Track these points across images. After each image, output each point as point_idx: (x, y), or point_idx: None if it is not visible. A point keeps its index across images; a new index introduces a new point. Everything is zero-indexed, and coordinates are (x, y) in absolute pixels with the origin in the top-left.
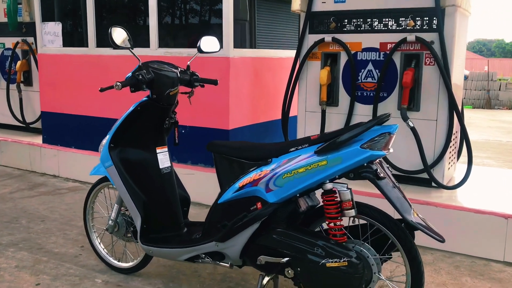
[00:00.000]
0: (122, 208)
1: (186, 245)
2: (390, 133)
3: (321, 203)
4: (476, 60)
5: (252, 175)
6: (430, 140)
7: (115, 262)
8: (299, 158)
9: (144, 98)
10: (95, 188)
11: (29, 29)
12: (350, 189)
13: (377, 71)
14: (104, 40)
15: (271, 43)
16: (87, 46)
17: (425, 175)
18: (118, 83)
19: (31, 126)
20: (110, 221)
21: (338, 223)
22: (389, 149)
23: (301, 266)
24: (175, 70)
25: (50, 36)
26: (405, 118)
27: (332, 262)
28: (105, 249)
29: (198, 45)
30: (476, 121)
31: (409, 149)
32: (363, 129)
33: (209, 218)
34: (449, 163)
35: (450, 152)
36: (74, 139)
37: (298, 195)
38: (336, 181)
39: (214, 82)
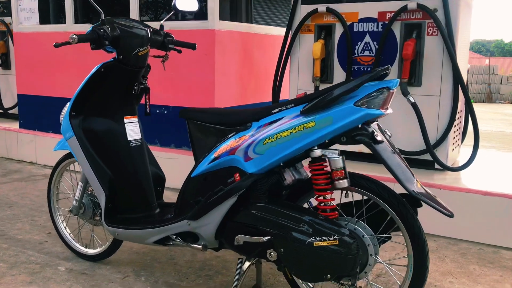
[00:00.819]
0: (89, 187)
1: (154, 225)
2: (389, 89)
3: (309, 176)
4: (475, 58)
5: (229, 143)
6: (432, 117)
7: (82, 248)
8: (282, 120)
9: (109, 60)
10: (60, 165)
11: (7, 8)
12: (343, 156)
13: (375, 43)
14: (83, 15)
15: (271, 20)
16: (64, 23)
17: (427, 157)
18: (74, 36)
19: (9, 112)
20: (75, 202)
21: (328, 196)
22: (387, 108)
23: (285, 246)
24: (145, 28)
25: (26, 13)
26: (405, 93)
27: (320, 240)
28: (71, 234)
29: (173, 3)
30: (478, 114)
31: (410, 127)
32: (357, 83)
33: (181, 195)
34: (453, 144)
35: (455, 132)
36: (52, 124)
37: (281, 164)
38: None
39: (191, 46)
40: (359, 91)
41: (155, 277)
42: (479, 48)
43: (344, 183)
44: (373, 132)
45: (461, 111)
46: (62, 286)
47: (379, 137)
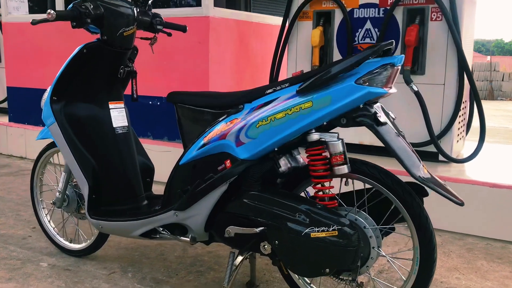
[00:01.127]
0: (74, 177)
1: (140, 217)
2: (394, 65)
3: (306, 163)
4: (476, 57)
5: (220, 127)
6: (436, 107)
7: (66, 243)
8: (277, 101)
9: (93, 40)
10: (44, 155)
11: None
12: (342, 139)
13: (376, 30)
14: None
15: (272, 10)
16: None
17: (431, 148)
18: (52, 12)
19: None
20: (58, 194)
21: (326, 184)
22: (391, 86)
23: (279, 237)
24: (131, 7)
25: (15, 2)
26: (408, 81)
27: (318, 231)
28: (55, 228)
29: None
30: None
31: (413, 117)
32: (358, 59)
33: (169, 184)
34: (458, 135)
35: (459, 122)
36: None
37: (276, 149)
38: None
39: (182, 28)
40: (361, 68)
41: (142, 273)
42: (479, 47)
43: (344, 169)
44: (375, 113)
45: (465, 101)
46: (43, 283)
47: (382, 118)
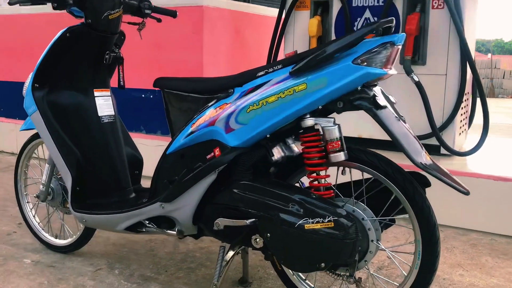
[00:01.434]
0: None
1: (124, 210)
2: (394, 44)
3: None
4: (476, 57)
5: (208, 113)
6: (438, 98)
7: (52, 239)
8: (269, 83)
9: (77, 24)
10: (28, 147)
11: None
12: (338, 124)
13: (375, 19)
14: None
15: (270, 2)
16: (45, 4)
17: (432, 141)
18: None
19: None
20: (42, 186)
21: (322, 173)
22: (391, 67)
23: (271, 229)
24: None
25: None
26: (408, 72)
27: (313, 222)
28: (40, 224)
29: None
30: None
31: (413, 109)
32: (356, 37)
33: (156, 175)
34: (460, 128)
35: (462, 115)
36: None
37: (268, 136)
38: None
39: (171, 14)
40: (358, 47)
41: (130, 270)
42: (479, 47)
43: (341, 156)
44: (374, 95)
45: (468, 93)
46: (25, 280)
47: (382, 101)
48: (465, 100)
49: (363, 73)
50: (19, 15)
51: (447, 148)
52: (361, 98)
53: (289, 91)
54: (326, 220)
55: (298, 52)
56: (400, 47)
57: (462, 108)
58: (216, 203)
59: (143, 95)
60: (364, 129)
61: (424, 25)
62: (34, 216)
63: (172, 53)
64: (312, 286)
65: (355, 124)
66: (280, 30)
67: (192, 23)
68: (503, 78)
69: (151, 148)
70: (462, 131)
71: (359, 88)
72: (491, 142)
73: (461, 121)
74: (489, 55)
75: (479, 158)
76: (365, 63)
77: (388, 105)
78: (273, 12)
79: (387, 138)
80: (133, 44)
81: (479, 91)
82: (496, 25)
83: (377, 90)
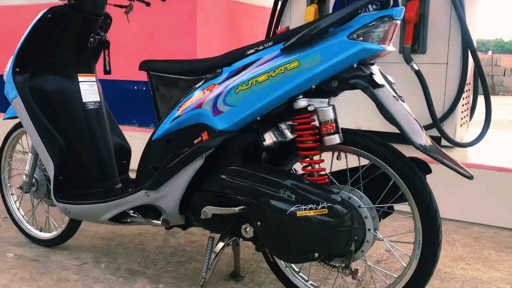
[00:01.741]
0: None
1: (108, 199)
2: (392, 17)
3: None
4: None
5: (195, 95)
6: (439, 88)
7: (36, 232)
8: (259, 61)
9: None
10: (11, 136)
11: None
12: (333, 105)
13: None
14: None
15: None
16: None
17: (433, 132)
18: None
19: None
20: (25, 177)
21: (316, 157)
22: (389, 43)
23: (262, 217)
24: None
25: None
26: (408, 60)
27: (305, 209)
28: (24, 216)
29: None
30: (483, 104)
31: (413, 99)
32: (350, 10)
33: (141, 162)
34: (462, 119)
35: (463, 105)
36: None
37: (259, 118)
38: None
39: None
40: (354, 21)
41: (117, 264)
42: (479, 47)
43: (336, 138)
44: (371, 73)
45: (469, 83)
46: (6, 274)
47: (379, 79)
48: (467, 91)
49: (359, 49)
50: (8, 7)
51: (448, 139)
52: (357, 76)
53: (280, 69)
54: (320, 206)
55: (289, 28)
56: (399, 22)
57: (463, 98)
58: (203, 190)
59: (135, 87)
60: (362, 121)
61: (424, 12)
62: (18, 209)
63: (165, 43)
64: (306, 279)
65: (353, 115)
66: (276, 19)
67: (186, 12)
68: (504, 75)
69: (143, 142)
70: (464, 123)
71: (355, 65)
72: (493, 135)
73: (462, 112)
74: (490, 52)
75: (481, 149)
76: (361, 38)
77: (386, 84)
78: (269, 2)
79: (387, 129)
80: (125, 35)
81: (481, 80)
82: (496, 25)
83: (374, 68)
